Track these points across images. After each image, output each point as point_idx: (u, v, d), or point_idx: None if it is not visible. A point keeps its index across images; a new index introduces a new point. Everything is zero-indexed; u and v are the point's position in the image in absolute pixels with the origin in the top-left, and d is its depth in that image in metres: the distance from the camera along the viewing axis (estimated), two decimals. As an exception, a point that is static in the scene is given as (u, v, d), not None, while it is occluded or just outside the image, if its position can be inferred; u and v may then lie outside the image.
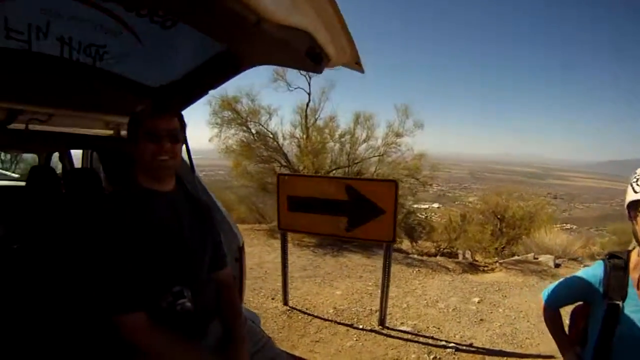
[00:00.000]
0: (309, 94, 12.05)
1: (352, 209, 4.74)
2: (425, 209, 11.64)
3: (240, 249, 2.89)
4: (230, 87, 12.35)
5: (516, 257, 10.59)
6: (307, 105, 12.14)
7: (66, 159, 6.34)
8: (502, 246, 11.82)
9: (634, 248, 1.88)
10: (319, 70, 1.95)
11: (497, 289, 7.35)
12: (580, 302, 2.10)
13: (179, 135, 1.92)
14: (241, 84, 13.60)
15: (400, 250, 10.20)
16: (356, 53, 1.92)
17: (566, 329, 2.23)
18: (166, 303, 1.78)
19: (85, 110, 2.68)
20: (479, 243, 10.60)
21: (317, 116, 12.23)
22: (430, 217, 12.12)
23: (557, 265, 9.91)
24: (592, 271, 1.97)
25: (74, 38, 2.17)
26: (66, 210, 3.24)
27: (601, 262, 1.95)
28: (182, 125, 1.98)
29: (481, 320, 5.75)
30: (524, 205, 13.33)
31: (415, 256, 9.51)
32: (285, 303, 5.50)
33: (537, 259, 10.29)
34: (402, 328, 5.14)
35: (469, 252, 10.53)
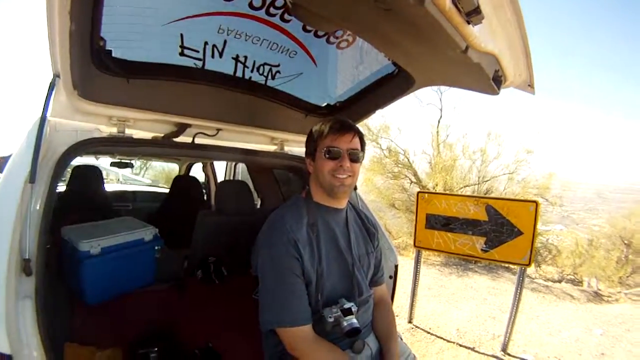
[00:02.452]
0: (441, 110, 11.80)
1: (490, 229, 4.61)
2: (548, 231, 11.09)
3: (396, 267, 2.91)
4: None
5: (640, 288, 9.91)
6: (439, 121, 11.85)
7: (210, 170, 6.67)
8: (627, 275, 11.09)
9: None
10: (496, 92, 1.92)
11: (620, 321, 6.88)
12: None
13: (359, 154, 1.94)
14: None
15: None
16: (532, 76, 1.88)
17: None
18: (332, 317, 1.80)
19: (252, 126, 2.79)
20: (603, 270, 9.96)
21: (448, 132, 11.88)
22: (552, 241, 11.52)
23: None
24: None
25: (249, 57, 2.28)
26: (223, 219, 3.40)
27: None
28: (363, 145, 1.99)
29: (602, 354, 5.44)
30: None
31: (541, 281, 9.12)
32: (410, 321, 5.47)
33: None
34: (523, 356, 4.95)
35: (595, 280, 9.95)
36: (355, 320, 1.79)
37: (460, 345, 4.99)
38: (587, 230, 12.88)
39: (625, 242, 11.55)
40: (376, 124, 11.43)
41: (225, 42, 2.13)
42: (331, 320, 1.79)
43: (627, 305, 7.99)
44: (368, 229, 2.22)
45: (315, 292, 1.83)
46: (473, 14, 1.24)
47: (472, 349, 4.91)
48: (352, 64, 2.53)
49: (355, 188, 2.58)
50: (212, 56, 2.17)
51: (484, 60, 1.59)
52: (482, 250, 4.68)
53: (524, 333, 5.63)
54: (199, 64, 2.17)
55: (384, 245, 2.49)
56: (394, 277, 2.91)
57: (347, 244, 2.02)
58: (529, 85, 1.98)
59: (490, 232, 4.62)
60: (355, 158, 1.91)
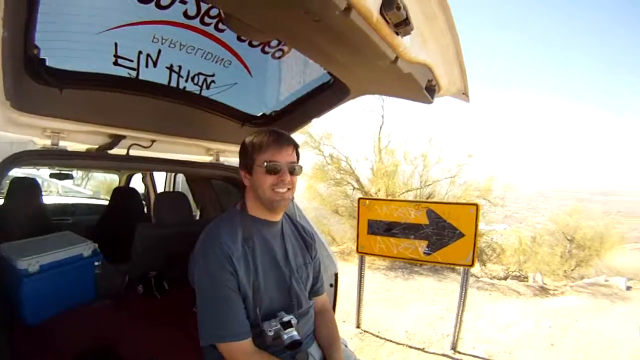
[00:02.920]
0: (382, 117, 11.77)
1: (432, 232, 4.68)
2: (492, 230, 11.44)
3: (336, 275, 2.92)
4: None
5: (586, 280, 10.23)
6: (381, 127, 11.82)
7: (150, 181, 6.54)
8: (571, 268, 11.49)
9: None
10: (430, 101, 1.95)
11: (567, 313, 7.17)
12: None
13: (297, 167, 1.94)
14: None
15: (471, 275, 9.82)
16: (466, 84, 1.92)
17: None
18: (272, 330, 1.79)
19: (187, 137, 2.75)
20: (547, 265, 10.27)
21: (389, 139, 11.88)
22: (497, 240, 11.83)
23: (628, 288, 9.64)
24: None
25: (183, 67, 2.24)
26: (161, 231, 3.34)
27: None
28: (299, 157, 1.99)
29: (552, 345, 5.64)
30: (594, 225, 12.94)
31: (486, 279, 9.33)
32: (358, 326, 5.46)
33: (607, 281, 9.94)
34: (473, 353, 5.04)
35: (540, 275, 10.24)
36: (295, 333, 1.80)
37: (410, 347, 5.03)
38: (530, 228, 13.31)
39: (568, 237, 11.96)
40: (319, 131, 11.47)
41: (159, 51, 2.09)
42: (271, 334, 1.78)
43: (573, 297, 8.30)
44: (305, 239, 2.22)
45: (253, 306, 1.82)
46: (402, 25, 1.25)
47: (422, 350, 4.96)
48: (288, 73, 2.52)
49: (292, 198, 2.61)
50: (147, 66, 2.12)
51: (416, 70, 1.60)
52: (424, 253, 4.75)
53: (472, 331, 5.75)
54: (133, 73, 2.11)
55: (322, 254, 2.49)
56: (335, 286, 2.93)
57: (284, 256, 2.01)
58: (463, 94, 2.02)
59: (432, 235, 4.69)
60: (294, 171, 1.91)
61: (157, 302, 3.37)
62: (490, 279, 9.63)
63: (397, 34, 1.30)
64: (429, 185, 11.20)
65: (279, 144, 1.87)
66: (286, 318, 1.84)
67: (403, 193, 10.96)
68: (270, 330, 1.78)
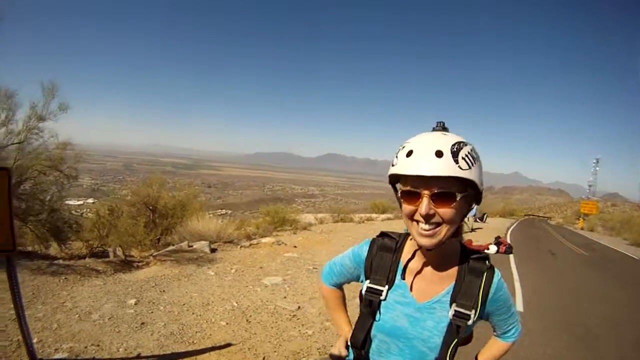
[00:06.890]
0: None
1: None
2: (81, 205, 10.85)
3: None
4: None
5: (171, 247, 10.61)
6: None
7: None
8: (157, 237, 11.76)
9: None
10: None
11: (153, 284, 7.10)
12: None
13: None
14: None
15: (47, 257, 8.55)
16: None
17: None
18: None
19: None
20: (133, 237, 10.01)
21: None
22: (86, 214, 11.16)
23: (213, 250, 10.40)
24: (358, 249, 1.76)
25: None
26: None
27: (369, 240, 1.74)
28: None
29: (142, 323, 5.37)
30: (176, 195, 13.63)
31: (61, 261, 8.07)
32: None
33: (192, 246, 10.52)
34: (57, 356, 4.32)
35: (120, 249, 9.92)
36: None
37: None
38: (118, 201, 13.19)
39: (150, 207, 12.24)
40: None
41: None
42: None
43: (157, 267, 8.31)
44: None
45: None
46: None
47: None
48: None
49: None
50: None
51: None
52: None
53: (51, 328, 4.93)
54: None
55: None
56: None
57: None
58: None
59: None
60: None
61: None
62: (69, 259, 8.57)
63: None
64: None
65: None
66: None
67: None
68: None
